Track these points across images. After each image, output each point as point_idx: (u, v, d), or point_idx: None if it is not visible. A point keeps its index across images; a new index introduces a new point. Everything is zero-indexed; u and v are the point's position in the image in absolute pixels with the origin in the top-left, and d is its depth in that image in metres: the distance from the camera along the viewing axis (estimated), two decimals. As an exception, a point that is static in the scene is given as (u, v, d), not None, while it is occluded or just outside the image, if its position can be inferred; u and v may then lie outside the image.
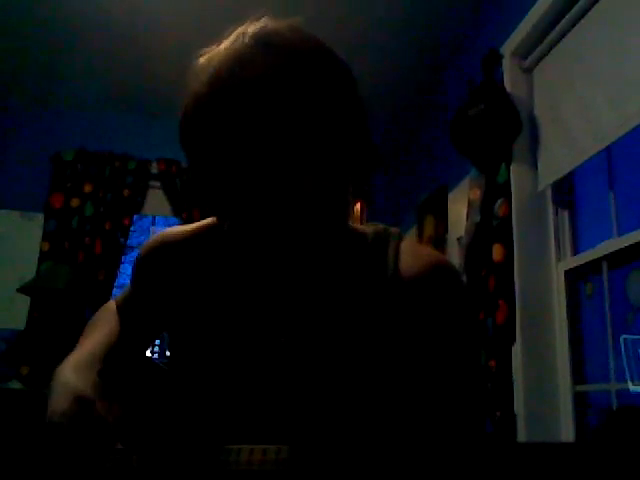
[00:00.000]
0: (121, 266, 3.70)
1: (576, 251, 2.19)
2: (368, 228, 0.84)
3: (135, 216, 3.80)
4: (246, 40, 0.66)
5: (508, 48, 2.37)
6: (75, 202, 3.63)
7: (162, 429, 0.77)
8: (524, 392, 2.07)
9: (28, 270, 3.41)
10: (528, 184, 2.27)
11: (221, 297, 0.81)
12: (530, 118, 2.31)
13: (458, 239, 2.70)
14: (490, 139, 2.27)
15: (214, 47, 0.70)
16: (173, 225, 0.93)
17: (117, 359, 0.84)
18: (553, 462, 0.46)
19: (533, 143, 2.29)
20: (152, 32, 3.01)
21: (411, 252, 0.80)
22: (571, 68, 2.09)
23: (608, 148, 1.95)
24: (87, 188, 3.66)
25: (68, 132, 3.77)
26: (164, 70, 3.18)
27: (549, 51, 2.24)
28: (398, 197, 3.85)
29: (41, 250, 3.53)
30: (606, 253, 1.96)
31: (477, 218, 2.34)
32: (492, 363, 2.13)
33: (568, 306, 2.13)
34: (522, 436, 2.03)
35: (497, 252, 2.20)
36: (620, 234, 1.92)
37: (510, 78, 2.36)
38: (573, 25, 2.08)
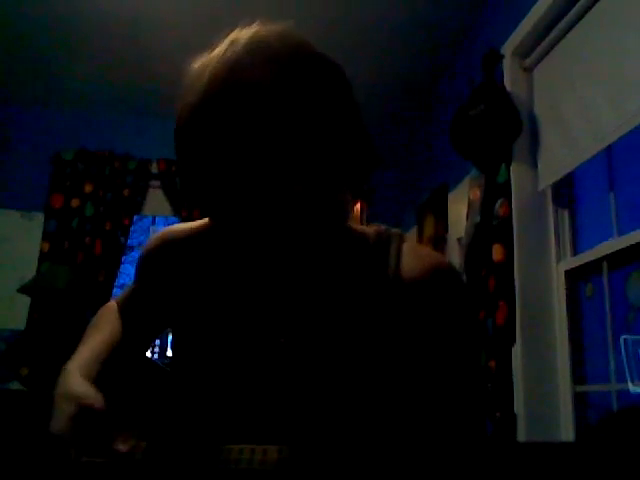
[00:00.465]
0: (121, 266, 3.70)
1: (576, 251, 2.19)
2: (370, 229, 0.84)
3: (135, 216, 3.80)
4: (237, 49, 0.66)
5: (508, 48, 2.37)
6: (75, 202, 3.63)
7: (163, 429, 0.77)
8: (524, 392, 2.07)
9: (28, 270, 3.41)
10: (528, 184, 2.27)
11: (223, 295, 0.81)
12: (530, 118, 2.31)
13: (458, 239, 2.70)
14: (490, 139, 2.27)
15: (207, 54, 0.70)
16: (169, 226, 0.93)
17: (119, 358, 0.84)
18: (553, 462, 0.46)
19: (533, 143, 2.29)
20: (152, 32, 3.01)
21: (412, 253, 0.80)
22: (571, 68, 2.09)
23: (608, 148, 1.95)
24: (87, 188, 3.66)
25: (68, 132, 3.77)
26: (164, 70, 3.18)
27: (549, 51, 2.24)
28: (398, 197, 3.85)
29: (41, 250, 3.53)
30: (606, 253, 1.96)
31: (477, 218, 2.34)
32: (492, 363, 2.13)
33: (568, 306, 2.13)
34: (522, 436, 2.02)
35: (497, 252, 2.20)
36: (620, 234, 1.92)
37: (510, 78, 2.36)
38: (573, 25, 2.08)
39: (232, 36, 0.69)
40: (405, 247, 0.81)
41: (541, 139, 2.27)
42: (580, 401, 2.06)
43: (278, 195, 0.66)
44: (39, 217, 3.61)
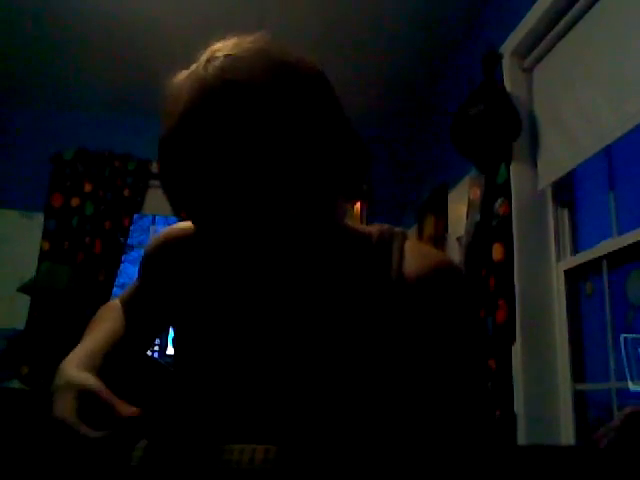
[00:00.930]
0: (121, 266, 3.71)
1: (576, 250, 2.19)
2: (373, 229, 0.84)
3: (135, 216, 3.80)
4: (211, 73, 0.66)
5: (508, 48, 2.37)
6: (75, 202, 3.63)
7: (163, 427, 0.78)
8: (524, 391, 2.07)
9: (28, 270, 3.41)
10: (528, 184, 2.27)
11: (224, 294, 0.82)
12: (530, 118, 2.31)
13: (458, 238, 2.71)
14: (490, 139, 2.27)
15: (185, 71, 0.70)
16: (173, 225, 0.93)
17: (121, 355, 0.85)
18: (557, 465, 0.46)
19: (533, 143, 2.29)
20: (152, 32, 3.02)
21: (415, 252, 0.80)
22: (571, 68, 2.09)
23: (608, 147, 1.95)
24: (87, 188, 3.66)
25: (68, 132, 3.77)
26: (164, 70, 3.17)
27: (549, 51, 2.24)
28: (398, 197, 3.85)
29: (41, 250, 3.53)
30: (606, 252, 1.96)
31: (477, 217, 2.34)
32: (492, 363, 2.13)
33: (568, 305, 2.13)
34: (522, 435, 2.03)
35: (497, 251, 2.20)
36: (620, 233, 1.92)
37: (510, 78, 2.36)
38: (573, 25, 2.08)
39: (208, 53, 0.69)
40: (408, 246, 0.81)
41: (541, 139, 2.27)
42: (580, 400, 2.06)
43: (266, 208, 0.66)
44: (39, 217, 3.61)
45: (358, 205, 3.60)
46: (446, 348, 0.76)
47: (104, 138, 3.76)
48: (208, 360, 0.81)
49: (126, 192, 3.70)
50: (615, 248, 1.91)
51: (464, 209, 2.54)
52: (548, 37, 2.20)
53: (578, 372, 2.09)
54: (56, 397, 0.72)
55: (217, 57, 0.67)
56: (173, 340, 0.89)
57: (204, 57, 0.68)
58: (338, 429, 0.74)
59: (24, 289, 3.14)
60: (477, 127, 2.29)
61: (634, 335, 1.84)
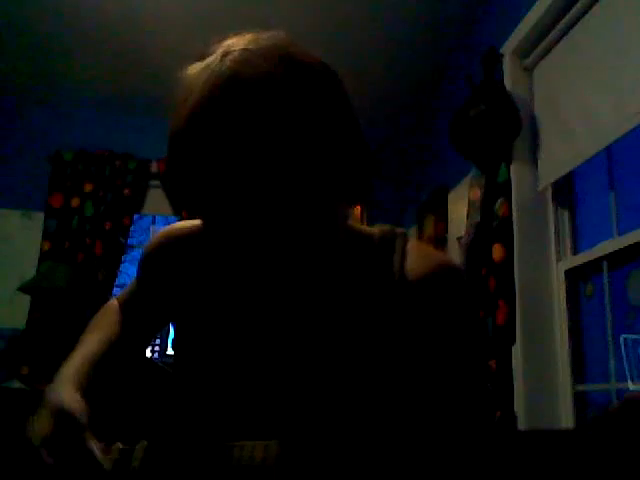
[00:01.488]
0: (121, 265, 3.70)
1: (576, 251, 2.19)
2: (375, 229, 0.84)
3: (135, 215, 3.80)
4: (226, 66, 0.65)
5: (508, 47, 2.37)
6: (75, 202, 3.63)
7: (163, 428, 0.78)
8: (524, 392, 2.07)
9: (28, 269, 3.41)
10: (528, 184, 2.27)
11: (224, 294, 0.81)
12: (530, 118, 2.31)
13: (458, 239, 2.71)
14: (490, 139, 2.27)
15: (199, 63, 0.69)
16: (172, 224, 0.93)
17: (118, 357, 0.85)
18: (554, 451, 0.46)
19: (533, 143, 2.29)
20: (152, 32, 3.02)
21: (417, 253, 0.80)
22: (571, 67, 2.09)
23: (608, 148, 1.95)
24: (87, 188, 3.66)
25: (68, 131, 3.77)
26: (164, 70, 3.18)
27: (549, 50, 2.24)
28: (398, 197, 3.86)
29: (41, 250, 3.53)
30: (606, 253, 1.96)
31: (477, 218, 2.34)
32: (492, 363, 2.13)
33: (568, 306, 2.13)
34: (522, 436, 2.03)
35: (497, 252, 2.20)
36: (620, 234, 1.92)
37: (510, 77, 2.36)
38: (573, 24, 2.08)
39: (223, 47, 0.68)
40: (410, 246, 0.81)
41: (541, 139, 2.27)
42: (580, 400, 2.06)
43: (268, 210, 0.66)
44: (39, 217, 3.61)
45: (358, 205, 3.60)
46: (446, 348, 0.77)
47: (104, 138, 3.76)
48: (209, 360, 0.81)
49: (126, 192, 3.70)
50: (615, 248, 1.91)
51: (464, 209, 2.54)
52: (549, 37, 2.20)
53: (578, 373, 2.09)
54: (37, 415, 0.73)
55: (233, 51, 0.67)
56: (173, 340, 0.89)
57: (220, 51, 0.68)
58: (339, 427, 0.74)
59: (24, 289, 3.14)
60: (477, 127, 2.29)
61: (634, 336, 1.84)
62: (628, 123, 1.75)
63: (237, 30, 0.71)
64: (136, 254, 6.00)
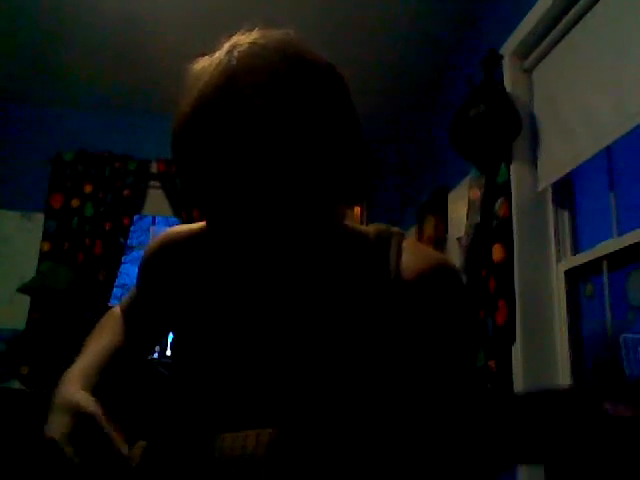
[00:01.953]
0: (121, 266, 3.70)
1: (576, 251, 2.19)
2: (370, 228, 0.84)
3: (135, 216, 3.80)
4: (235, 56, 0.66)
5: (508, 48, 2.37)
6: (75, 202, 3.63)
7: (162, 431, 0.78)
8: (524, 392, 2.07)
9: (28, 270, 3.42)
10: (528, 184, 2.27)
11: (223, 297, 0.81)
12: (530, 118, 2.31)
13: (458, 239, 2.71)
14: (490, 139, 2.27)
15: (208, 57, 0.69)
16: (173, 225, 0.92)
17: (121, 365, 0.85)
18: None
19: (533, 143, 2.29)
20: (153, 32, 3.02)
21: (413, 252, 0.80)
22: (571, 68, 2.09)
23: (608, 148, 1.95)
24: (87, 188, 3.67)
25: (68, 132, 3.77)
26: (164, 70, 3.18)
27: (549, 51, 2.24)
28: (398, 197, 3.86)
29: (41, 250, 3.54)
30: (606, 253, 1.96)
31: (477, 218, 2.34)
32: (492, 363, 2.13)
33: (568, 306, 2.13)
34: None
35: (497, 252, 2.20)
36: (620, 234, 1.92)
37: (510, 78, 2.36)
38: (573, 25, 2.08)
39: (231, 42, 0.68)
40: (405, 245, 0.81)
41: (541, 139, 2.27)
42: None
43: (270, 201, 0.66)
44: (39, 217, 3.62)
45: (357, 206, 3.60)
46: (440, 346, 0.77)
47: (104, 139, 3.77)
48: (208, 360, 0.81)
49: (126, 193, 3.70)
50: (615, 249, 1.91)
51: (464, 210, 2.54)
52: (548, 38, 2.20)
53: (578, 373, 2.09)
54: (51, 416, 0.72)
55: (240, 45, 0.67)
56: (172, 343, 0.89)
57: (227, 46, 0.68)
58: (330, 421, 0.74)
59: (24, 289, 3.14)
60: (477, 128, 2.29)
61: (634, 336, 1.84)
62: (628, 123, 1.75)
63: (237, 30, 0.71)
64: (136, 255, 6.01)
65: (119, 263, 3.65)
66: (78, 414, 0.71)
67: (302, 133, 0.65)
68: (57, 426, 0.70)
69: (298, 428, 0.58)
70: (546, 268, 2.21)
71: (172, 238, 0.88)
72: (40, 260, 3.51)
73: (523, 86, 2.36)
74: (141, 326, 0.92)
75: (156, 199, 3.78)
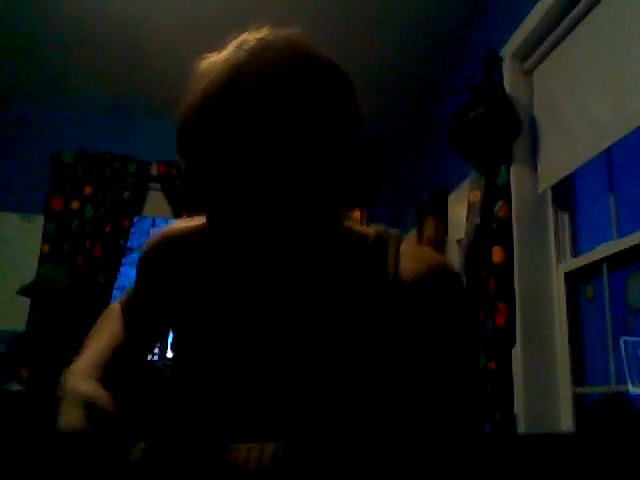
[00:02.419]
0: (121, 268, 3.70)
1: (576, 253, 2.19)
2: (369, 230, 0.84)
3: (135, 218, 3.80)
4: (243, 53, 0.66)
5: (508, 50, 2.38)
6: (75, 204, 3.63)
7: (163, 430, 0.78)
8: (524, 394, 2.07)
9: (28, 272, 3.41)
10: (528, 186, 2.27)
11: (223, 296, 0.81)
12: (530, 120, 2.31)
13: (458, 241, 2.70)
14: (490, 141, 2.27)
15: (216, 54, 0.70)
16: (169, 225, 0.92)
17: (122, 362, 0.84)
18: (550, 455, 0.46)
19: (533, 145, 2.29)
20: (153, 34, 3.02)
21: (411, 254, 0.80)
22: (571, 70, 2.09)
23: (608, 150, 1.95)
24: (87, 190, 3.66)
25: (68, 134, 3.77)
26: (164, 72, 3.18)
27: (549, 53, 2.24)
28: (398, 199, 3.86)
29: (41, 252, 3.53)
30: (606, 255, 1.96)
31: (477, 220, 2.34)
32: (492, 365, 2.13)
33: (568, 308, 2.13)
34: (522, 438, 2.02)
35: (497, 254, 2.20)
36: (620, 236, 1.92)
37: (510, 80, 2.36)
38: (573, 27, 2.08)
39: (240, 39, 0.69)
40: (404, 247, 0.81)
41: (541, 141, 2.27)
42: (580, 402, 2.06)
43: (272, 199, 0.66)
44: (39, 219, 3.61)
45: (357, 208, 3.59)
46: (439, 348, 0.77)
47: (104, 140, 3.77)
48: (208, 361, 0.81)
49: (126, 194, 3.70)
50: (615, 251, 1.91)
51: (464, 211, 2.54)
52: (548, 39, 2.20)
53: (578, 375, 2.09)
54: (62, 409, 0.72)
55: (249, 41, 0.67)
56: (172, 342, 0.88)
57: (235, 42, 0.68)
58: (336, 429, 0.74)
59: (24, 291, 3.13)
60: (477, 129, 2.29)
61: (634, 338, 1.84)
62: (628, 125, 1.75)
63: (238, 31, 0.71)
64: (136, 257, 6.01)
65: (119, 265, 3.65)
66: (91, 406, 0.71)
67: (307, 132, 0.65)
68: (71, 419, 0.70)
69: (302, 442, 0.58)
70: (546, 270, 2.21)
71: (172, 234, 0.87)
72: (40, 262, 3.51)
73: (523, 88, 2.36)
74: (140, 323, 0.91)
75: (156, 201, 3.78)
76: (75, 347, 0.87)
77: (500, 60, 2.39)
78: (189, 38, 2.81)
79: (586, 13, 2.01)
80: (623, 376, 1.82)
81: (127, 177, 3.71)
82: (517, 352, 2.11)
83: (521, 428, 2.04)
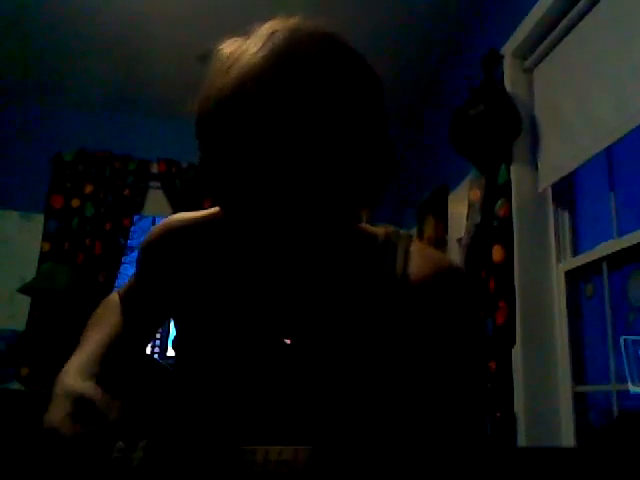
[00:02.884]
0: (121, 267, 3.70)
1: (576, 252, 2.19)
2: (379, 229, 0.84)
3: (135, 217, 3.80)
4: (278, 42, 0.65)
5: (508, 48, 2.37)
6: (75, 203, 3.63)
7: (165, 427, 0.77)
8: (524, 393, 2.07)
9: (28, 270, 3.41)
10: (528, 185, 2.27)
11: (227, 290, 0.81)
12: (530, 118, 2.31)
13: (458, 240, 2.70)
14: (490, 139, 2.27)
15: (240, 40, 0.69)
16: (171, 217, 0.91)
17: (120, 354, 0.84)
18: (552, 466, 0.46)
19: (533, 143, 2.29)
20: (153, 33, 3.02)
21: (420, 255, 0.80)
22: (572, 68, 2.09)
23: (608, 148, 1.95)
24: (87, 189, 3.67)
25: (68, 133, 3.77)
26: (164, 71, 3.18)
27: (549, 52, 2.24)
28: (398, 197, 3.85)
29: (41, 251, 3.53)
30: (606, 254, 1.96)
31: (477, 219, 2.34)
32: (492, 364, 2.13)
33: (568, 307, 2.13)
34: (522, 437, 2.02)
35: (497, 253, 2.20)
36: (620, 235, 1.92)
37: (510, 78, 2.36)
38: (574, 25, 2.08)
39: (270, 27, 0.67)
40: (413, 248, 0.81)
41: (541, 140, 2.27)
42: (580, 401, 2.06)
43: (293, 193, 0.65)
44: (39, 218, 3.61)
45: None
46: (445, 350, 0.77)
47: (104, 138, 3.77)
48: (211, 357, 0.81)
49: (126, 193, 3.70)
50: (615, 249, 1.91)
51: (464, 210, 2.54)
52: (549, 38, 2.20)
53: (578, 374, 2.09)
54: (50, 406, 0.71)
55: (281, 30, 0.66)
56: (174, 337, 0.88)
57: (264, 30, 0.67)
58: (340, 429, 0.74)
59: (24, 290, 3.14)
60: (477, 128, 2.28)
61: (635, 337, 1.84)
62: (629, 124, 1.75)
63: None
64: (136, 255, 6.01)
65: (119, 263, 3.65)
66: (78, 399, 0.70)
67: (339, 132, 0.64)
68: (57, 412, 0.69)
69: (336, 445, 0.57)
70: (546, 269, 2.21)
71: (175, 225, 0.86)
72: (40, 260, 3.51)
73: (523, 86, 2.36)
74: (140, 314, 0.91)
75: (156, 199, 3.78)
76: (75, 346, 0.87)
77: (501, 58, 2.39)
78: (189, 37, 2.81)
79: (587, 11, 2.01)
80: (623, 375, 1.82)
81: (127, 175, 3.71)
82: (517, 351, 2.11)
83: (521, 427, 2.04)
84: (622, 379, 1.83)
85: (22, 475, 0.71)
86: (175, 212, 3.19)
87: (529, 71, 2.37)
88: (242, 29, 0.70)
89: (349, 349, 0.76)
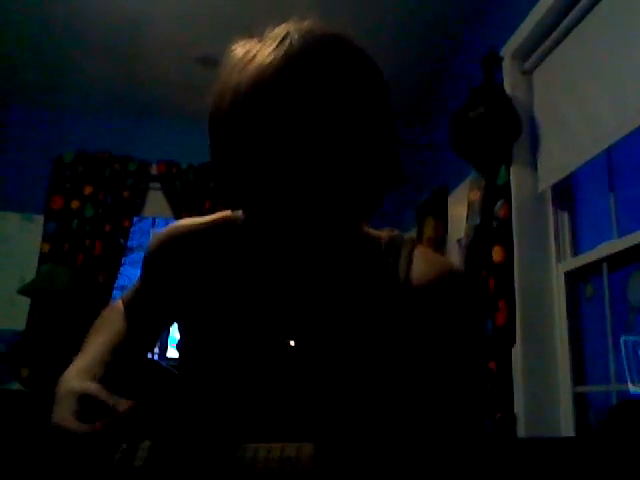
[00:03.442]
0: (121, 268, 3.70)
1: (576, 252, 2.19)
2: (383, 233, 0.84)
3: (135, 218, 3.80)
4: (293, 44, 0.65)
5: (508, 50, 2.38)
6: (75, 204, 3.64)
7: (169, 429, 0.77)
8: (524, 393, 2.07)
9: (28, 271, 3.42)
10: (528, 186, 2.27)
11: (232, 294, 0.81)
12: (530, 120, 2.31)
13: (458, 241, 2.71)
14: (490, 141, 2.27)
15: (252, 41, 0.69)
16: (176, 222, 0.92)
17: (123, 359, 0.84)
18: (552, 458, 0.46)
19: (533, 145, 2.30)
20: (153, 35, 3.02)
21: (423, 259, 0.81)
22: (571, 70, 2.10)
23: (608, 149, 1.95)
24: (87, 190, 3.67)
25: (68, 134, 3.77)
26: (164, 71, 3.19)
27: (549, 53, 2.24)
28: (398, 198, 3.85)
29: (41, 252, 3.54)
30: (606, 254, 1.96)
31: (477, 220, 2.34)
32: (492, 364, 2.13)
33: (568, 307, 2.13)
34: (522, 436, 2.02)
35: (497, 253, 2.20)
36: (620, 235, 1.92)
37: (510, 80, 2.36)
38: (573, 27, 2.08)
39: (284, 29, 0.68)
40: (416, 252, 0.81)
41: (541, 141, 2.27)
42: (580, 402, 2.06)
43: (305, 192, 0.66)
44: (39, 219, 3.62)
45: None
46: (447, 352, 0.77)
47: (104, 140, 3.77)
48: (216, 360, 0.81)
49: (126, 194, 3.70)
50: (615, 250, 1.91)
51: (464, 211, 2.54)
52: (549, 39, 2.20)
53: (578, 374, 2.09)
54: (55, 404, 0.71)
55: (297, 31, 0.67)
56: (179, 340, 0.88)
57: (277, 33, 0.68)
58: (344, 429, 0.74)
59: (24, 291, 3.14)
60: (477, 129, 2.29)
61: (634, 337, 1.84)
62: (628, 125, 1.75)
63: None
64: (136, 256, 6.00)
65: (119, 264, 3.65)
66: (82, 397, 0.70)
67: (355, 128, 0.65)
68: (62, 411, 0.69)
69: (338, 442, 0.58)
70: (546, 269, 2.21)
71: (180, 231, 0.87)
72: (40, 261, 3.51)
73: (523, 88, 2.36)
74: (144, 319, 0.91)
75: (156, 200, 3.78)
76: (75, 346, 0.87)
77: (500, 60, 2.39)
78: (189, 39, 2.81)
79: (586, 13, 2.01)
80: (623, 375, 1.83)
81: (127, 177, 3.72)
82: (517, 351, 2.11)
83: (521, 428, 2.04)
84: (622, 379, 1.83)
85: (22, 475, 0.72)
86: (175, 213, 3.19)
87: (529, 72, 2.37)
88: (242, 29, 0.71)
89: (352, 351, 0.76)
